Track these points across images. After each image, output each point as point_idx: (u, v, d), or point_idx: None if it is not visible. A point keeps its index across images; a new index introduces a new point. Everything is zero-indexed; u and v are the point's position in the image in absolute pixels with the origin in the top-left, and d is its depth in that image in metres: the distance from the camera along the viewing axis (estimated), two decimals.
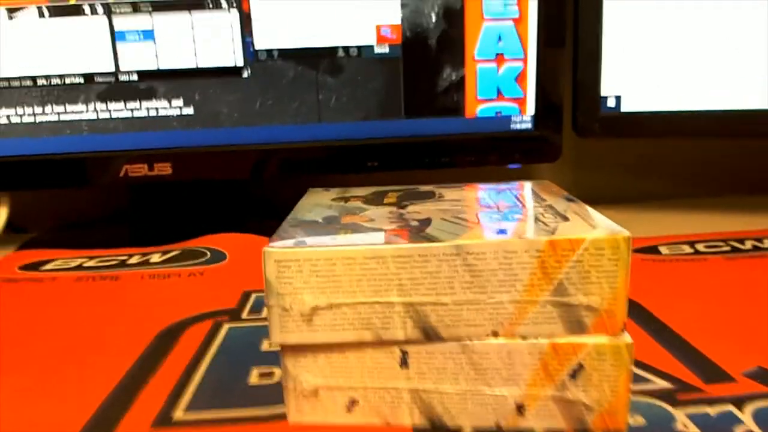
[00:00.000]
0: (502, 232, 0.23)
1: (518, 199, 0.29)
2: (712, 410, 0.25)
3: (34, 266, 0.45)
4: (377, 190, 0.33)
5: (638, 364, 0.29)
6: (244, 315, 0.37)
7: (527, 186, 0.32)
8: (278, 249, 0.23)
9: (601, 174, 0.67)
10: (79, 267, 0.45)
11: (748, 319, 0.34)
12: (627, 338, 0.23)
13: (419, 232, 0.24)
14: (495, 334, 0.23)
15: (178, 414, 0.26)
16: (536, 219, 0.25)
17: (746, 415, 0.25)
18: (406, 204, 0.29)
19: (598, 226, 0.24)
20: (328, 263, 0.23)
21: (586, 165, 0.67)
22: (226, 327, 0.35)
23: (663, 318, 0.34)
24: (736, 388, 0.27)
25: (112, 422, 0.26)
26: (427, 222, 0.26)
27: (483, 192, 0.31)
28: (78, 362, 0.31)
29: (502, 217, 0.26)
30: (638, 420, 0.25)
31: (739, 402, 0.26)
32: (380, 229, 0.25)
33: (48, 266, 0.45)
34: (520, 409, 0.24)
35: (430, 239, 0.23)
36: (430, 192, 0.32)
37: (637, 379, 0.28)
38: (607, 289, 0.23)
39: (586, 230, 0.23)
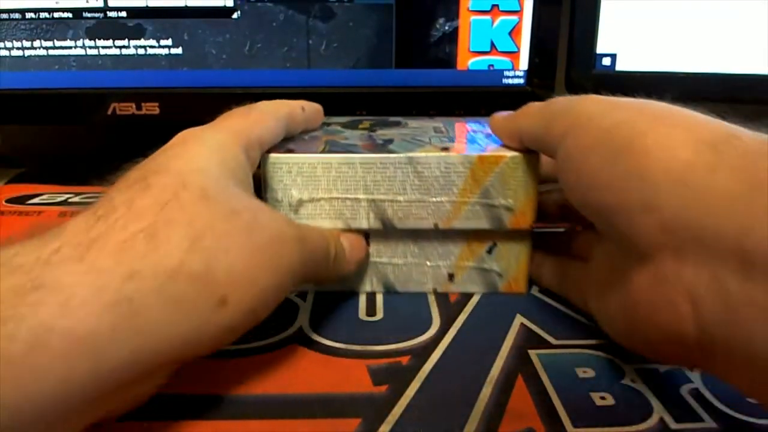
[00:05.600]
0: (445, 149, 0.30)
1: (467, 129, 0.36)
2: (662, 367, 0.26)
3: (21, 200, 0.46)
4: (354, 119, 0.40)
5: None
6: None
7: (479, 121, 0.39)
8: (273, 155, 0.30)
9: None
10: (65, 202, 0.46)
11: None
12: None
13: (382, 147, 0.31)
14: (436, 226, 0.30)
15: None
16: (474, 141, 0.33)
17: (695, 374, 0.26)
18: (376, 128, 0.36)
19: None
20: (311, 167, 0.30)
21: None
22: None
23: None
24: None
25: None
26: (390, 141, 0.32)
27: (441, 123, 0.38)
28: None
29: (449, 140, 0.33)
30: (588, 372, 0.26)
31: None
32: (353, 145, 0.32)
33: (34, 200, 0.46)
34: (451, 277, 0.32)
35: (390, 152, 0.30)
36: (398, 121, 0.39)
37: (597, 335, 0.28)
38: (522, 193, 0.30)
39: (508, 150, 0.30)
